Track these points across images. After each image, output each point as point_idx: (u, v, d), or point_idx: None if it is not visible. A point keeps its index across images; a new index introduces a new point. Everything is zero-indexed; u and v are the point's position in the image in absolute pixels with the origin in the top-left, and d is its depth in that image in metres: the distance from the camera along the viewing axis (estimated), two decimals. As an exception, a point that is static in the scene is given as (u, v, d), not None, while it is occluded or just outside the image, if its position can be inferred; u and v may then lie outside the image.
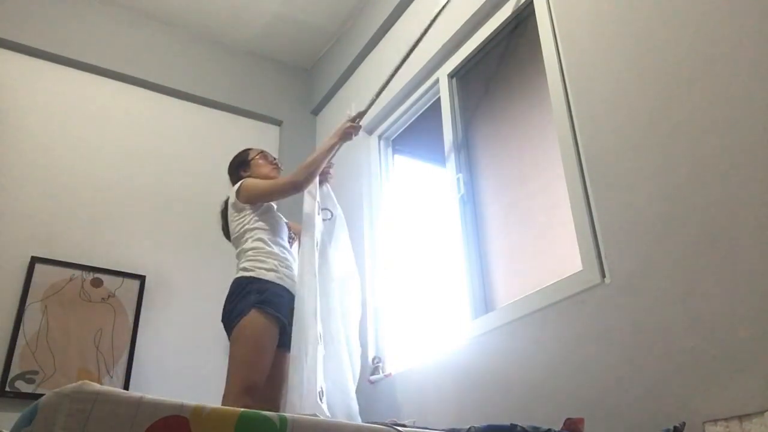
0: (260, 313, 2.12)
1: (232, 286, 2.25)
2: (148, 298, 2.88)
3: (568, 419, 1.48)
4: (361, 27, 3.44)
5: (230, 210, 2.39)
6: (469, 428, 1.38)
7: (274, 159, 2.62)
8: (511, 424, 1.37)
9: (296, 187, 2.33)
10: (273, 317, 2.14)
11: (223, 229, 2.50)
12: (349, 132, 2.46)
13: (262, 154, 2.58)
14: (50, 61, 3.14)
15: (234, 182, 2.52)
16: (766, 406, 1.29)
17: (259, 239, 2.30)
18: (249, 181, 2.39)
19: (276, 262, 2.26)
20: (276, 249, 2.30)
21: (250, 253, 2.27)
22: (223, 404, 1.96)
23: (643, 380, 1.56)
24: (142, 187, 3.14)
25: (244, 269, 2.24)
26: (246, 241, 2.31)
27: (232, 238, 2.39)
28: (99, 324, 2.73)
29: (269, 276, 2.22)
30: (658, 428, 1.40)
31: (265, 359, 2.10)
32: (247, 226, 2.33)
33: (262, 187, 2.36)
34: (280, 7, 3.51)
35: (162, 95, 3.42)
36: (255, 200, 2.35)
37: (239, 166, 2.54)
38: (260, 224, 2.33)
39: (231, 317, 2.16)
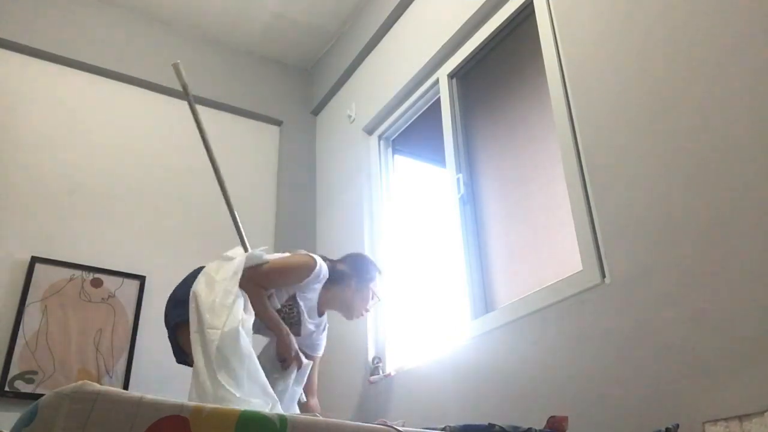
0: None
1: None
2: (148, 298, 2.88)
3: (552, 417, 1.48)
4: (361, 27, 3.44)
5: None
6: (445, 427, 1.37)
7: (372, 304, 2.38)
8: (489, 423, 1.37)
9: (254, 294, 2.05)
10: None
11: None
12: (290, 358, 2.08)
13: (372, 291, 2.35)
14: (50, 61, 3.14)
15: (332, 274, 2.23)
16: (766, 406, 1.29)
17: None
18: (292, 259, 2.18)
19: None
20: None
21: None
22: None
23: (643, 380, 1.56)
24: (143, 187, 3.14)
25: None
26: None
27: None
28: (99, 324, 2.73)
29: None
30: (658, 428, 1.40)
31: None
32: None
33: (272, 265, 2.11)
34: (280, 7, 3.51)
35: (162, 95, 3.42)
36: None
37: (352, 277, 2.28)
38: None
39: None
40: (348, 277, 2.29)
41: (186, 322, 1.89)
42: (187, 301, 1.93)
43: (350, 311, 2.32)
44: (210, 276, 1.99)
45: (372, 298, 2.34)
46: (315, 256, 2.18)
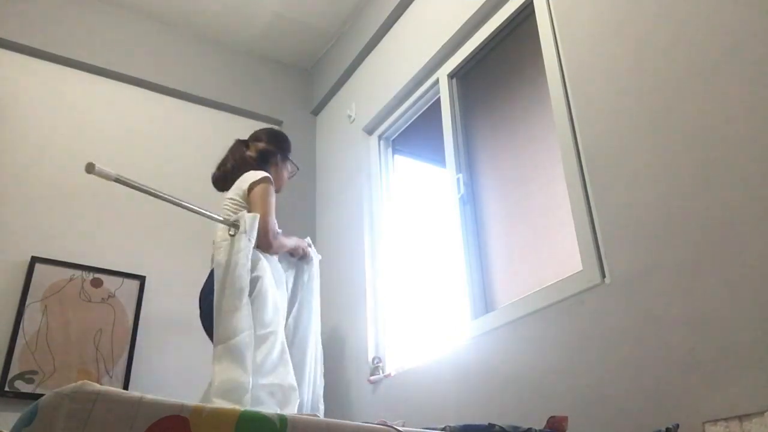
0: None
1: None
2: (148, 298, 2.88)
3: (552, 417, 1.48)
4: (361, 27, 3.44)
5: (237, 192, 2.30)
6: (445, 427, 1.37)
7: (293, 174, 2.65)
8: (489, 423, 1.37)
9: (269, 245, 2.22)
10: None
11: (219, 178, 2.48)
12: (305, 248, 2.55)
13: (291, 162, 2.62)
14: (50, 61, 3.14)
15: (258, 156, 2.47)
16: (766, 406, 1.29)
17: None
18: (264, 194, 2.27)
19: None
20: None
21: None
22: None
23: (643, 380, 1.56)
24: (142, 187, 3.14)
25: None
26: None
27: (224, 215, 2.27)
28: (99, 324, 2.72)
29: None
30: (658, 428, 1.40)
31: None
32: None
33: (263, 216, 2.21)
34: (280, 7, 3.51)
35: (162, 95, 3.42)
36: (251, 209, 2.26)
37: (277, 153, 2.52)
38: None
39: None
40: (273, 154, 2.52)
41: None
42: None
43: (280, 184, 2.53)
44: (227, 283, 2.02)
45: (290, 170, 2.62)
46: (263, 174, 2.32)
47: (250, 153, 2.50)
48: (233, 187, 2.35)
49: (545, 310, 1.92)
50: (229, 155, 2.52)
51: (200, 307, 2.21)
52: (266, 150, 2.51)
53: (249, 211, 2.20)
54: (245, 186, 2.29)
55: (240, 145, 2.55)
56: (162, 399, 1.01)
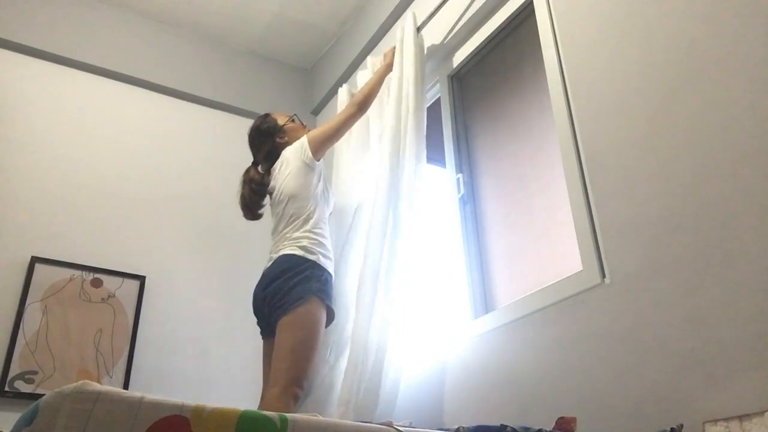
0: (320, 302, 2.12)
1: (285, 261, 2.17)
2: (148, 298, 2.88)
3: (561, 418, 1.47)
4: (361, 27, 3.44)
5: (297, 170, 2.32)
6: (458, 428, 1.37)
7: (304, 124, 2.66)
8: (501, 424, 1.36)
9: (361, 108, 2.40)
10: (327, 308, 2.16)
11: (249, 203, 2.46)
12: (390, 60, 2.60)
13: (293, 118, 2.61)
14: (50, 61, 3.14)
15: (261, 151, 2.52)
16: (766, 406, 1.29)
17: (320, 217, 2.27)
18: (313, 133, 2.42)
19: (331, 248, 2.27)
20: (327, 228, 2.30)
21: (310, 231, 2.22)
22: (271, 392, 1.97)
23: (643, 380, 1.56)
24: (142, 187, 3.14)
25: (305, 249, 2.18)
26: (308, 211, 2.26)
27: (288, 197, 2.29)
28: (99, 324, 2.73)
29: (327, 264, 2.21)
30: (657, 428, 1.40)
31: (318, 352, 2.12)
32: (312, 190, 2.30)
33: (331, 127, 2.39)
34: (280, 7, 3.51)
35: (162, 95, 3.42)
36: (328, 145, 2.39)
37: (272, 134, 2.52)
38: (320, 189, 2.33)
39: (287, 299, 2.09)
40: (271, 137, 2.52)
41: None
42: None
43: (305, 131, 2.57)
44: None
45: (301, 122, 2.64)
46: (296, 139, 2.44)
47: (272, 144, 2.51)
48: (279, 176, 2.38)
49: (545, 310, 1.92)
50: (250, 174, 2.53)
51: None
52: (260, 143, 2.54)
53: (317, 171, 2.34)
54: (305, 156, 2.32)
55: (251, 167, 2.57)
56: (163, 399, 1.01)
